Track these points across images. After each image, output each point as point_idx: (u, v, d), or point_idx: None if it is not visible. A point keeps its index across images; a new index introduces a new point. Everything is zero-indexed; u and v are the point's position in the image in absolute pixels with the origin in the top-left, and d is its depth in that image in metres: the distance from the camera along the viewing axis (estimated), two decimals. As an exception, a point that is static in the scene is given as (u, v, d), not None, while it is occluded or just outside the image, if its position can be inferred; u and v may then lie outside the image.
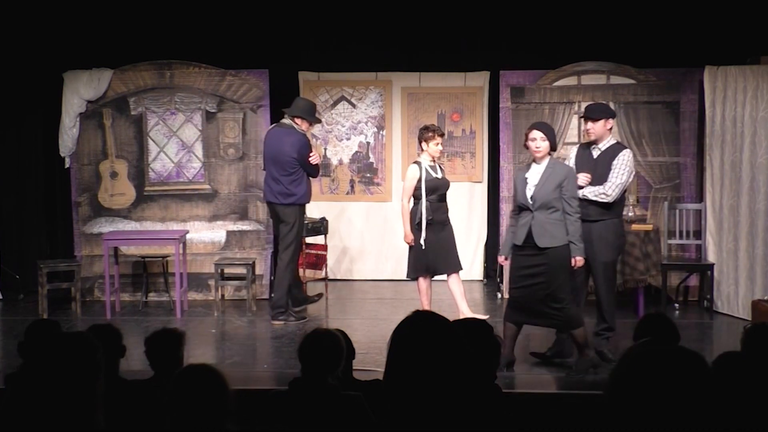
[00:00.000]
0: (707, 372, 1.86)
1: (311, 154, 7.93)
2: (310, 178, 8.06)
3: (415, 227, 7.34)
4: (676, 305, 8.46)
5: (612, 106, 8.85)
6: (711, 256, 8.30)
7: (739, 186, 8.02)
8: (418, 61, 9.68)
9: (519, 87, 8.98)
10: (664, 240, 8.52)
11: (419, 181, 7.28)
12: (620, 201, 6.57)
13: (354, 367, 4.48)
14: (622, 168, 6.44)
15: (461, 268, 7.51)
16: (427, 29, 9.40)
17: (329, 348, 3.72)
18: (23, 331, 4.32)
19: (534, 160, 6.27)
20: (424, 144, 7.39)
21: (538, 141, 6.19)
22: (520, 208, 6.27)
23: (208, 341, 7.57)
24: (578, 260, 6.14)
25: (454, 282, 7.45)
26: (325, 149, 9.85)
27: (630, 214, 8.41)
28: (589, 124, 6.57)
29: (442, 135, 7.48)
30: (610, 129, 6.62)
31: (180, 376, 2.70)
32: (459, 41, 9.51)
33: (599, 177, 6.45)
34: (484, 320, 3.55)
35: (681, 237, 8.55)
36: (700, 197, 8.69)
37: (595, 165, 6.49)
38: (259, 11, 9.24)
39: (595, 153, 6.55)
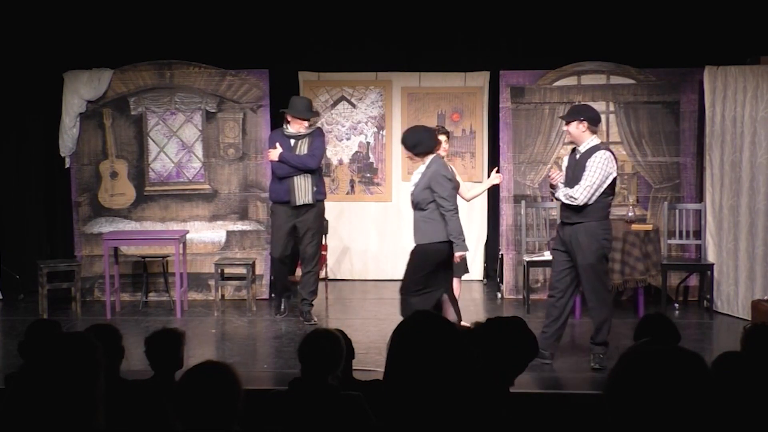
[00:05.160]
0: (706, 372, 1.86)
1: (267, 150, 7.99)
2: (277, 179, 7.92)
3: None
4: (676, 305, 8.46)
5: (612, 106, 8.89)
6: (711, 256, 8.30)
7: (739, 186, 8.03)
8: (418, 61, 9.68)
9: (519, 87, 8.98)
10: (664, 240, 8.52)
11: None
12: (600, 203, 6.32)
13: (354, 367, 4.49)
14: (593, 170, 6.24)
15: (467, 271, 7.52)
16: (427, 29, 9.41)
17: (329, 348, 3.72)
18: (23, 331, 4.32)
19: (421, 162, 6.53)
20: None
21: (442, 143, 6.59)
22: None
23: (208, 341, 7.57)
24: (457, 256, 6.34)
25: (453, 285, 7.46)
26: (325, 149, 9.83)
27: (630, 214, 8.43)
28: (565, 127, 6.54)
29: (446, 134, 7.47)
30: (592, 131, 6.41)
31: (193, 372, 2.67)
32: (459, 41, 9.51)
33: (577, 180, 6.34)
34: (517, 317, 3.53)
35: (681, 237, 8.55)
36: (700, 197, 8.69)
37: (575, 168, 6.42)
38: (259, 11, 9.25)
39: (577, 156, 6.44)
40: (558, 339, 6.54)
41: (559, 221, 6.68)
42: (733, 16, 8.64)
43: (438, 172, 6.39)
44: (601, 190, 6.28)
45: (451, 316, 6.51)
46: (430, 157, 6.48)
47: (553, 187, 6.49)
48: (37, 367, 2.13)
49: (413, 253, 6.52)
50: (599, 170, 6.24)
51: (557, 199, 6.45)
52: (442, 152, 7.39)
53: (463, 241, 6.38)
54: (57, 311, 8.29)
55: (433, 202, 6.37)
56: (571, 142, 6.63)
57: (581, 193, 6.24)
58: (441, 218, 6.37)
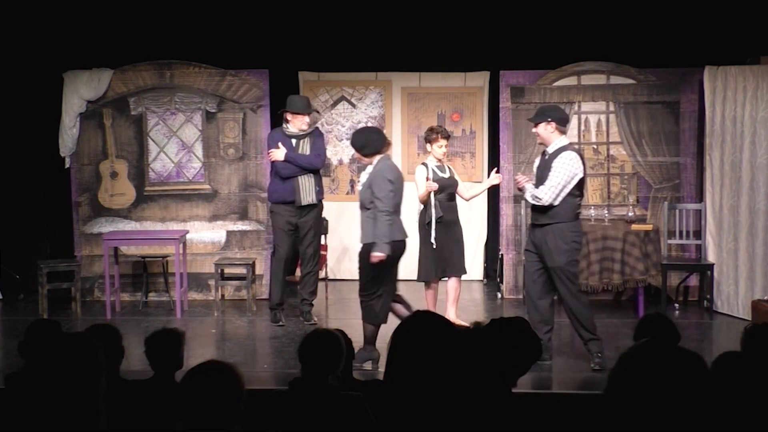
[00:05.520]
0: (706, 372, 1.86)
1: (269, 151, 7.95)
2: (281, 179, 7.89)
3: (425, 227, 7.37)
4: (676, 305, 8.46)
5: (612, 106, 8.89)
6: (711, 256, 8.30)
7: (739, 186, 8.03)
8: (418, 61, 9.68)
9: (519, 87, 8.98)
10: (664, 240, 8.52)
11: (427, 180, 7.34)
12: (568, 204, 6.31)
13: (354, 368, 4.49)
14: (557, 170, 6.24)
15: (465, 272, 7.53)
16: (427, 29, 9.41)
17: (329, 348, 3.72)
18: (23, 331, 4.32)
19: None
20: (428, 145, 7.46)
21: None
22: None
23: (208, 341, 7.57)
24: (374, 256, 6.30)
25: (452, 285, 7.49)
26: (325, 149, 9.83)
27: (630, 214, 8.43)
28: (533, 129, 6.54)
29: (447, 137, 7.49)
30: (561, 131, 6.41)
31: (196, 371, 2.67)
32: (459, 41, 9.51)
33: (544, 181, 6.35)
34: (520, 318, 3.53)
35: (681, 237, 8.55)
36: (700, 197, 8.69)
37: (543, 169, 6.43)
38: (259, 11, 9.25)
39: (546, 156, 6.45)
40: (550, 340, 6.55)
41: (529, 222, 6.70)
42: (733, 16, 8.64)
43: (381, 173, 6.40)
44: (567, 190, 6.27)
45: (401, 311, 6.58)
46: (378, 157, 6.50)
47: (521, 189, 6.52)
48: (39, 368, 2.13)
49: (360, 254, 6.53)
50: (564, 171, 6.24)
51: (525, 200, 6.46)
52: (438, 155, 7.43)
53: (386, 243, 6.34)
54: (57, 311, 8.29)
55: (372, 202, 6.40)
56: (541, 144, 6.64)
57: (545, 193, 6.25)
58: (376, 218, 6.39)
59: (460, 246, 7.52)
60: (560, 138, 6.41)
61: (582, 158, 6.41)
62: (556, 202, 6.26)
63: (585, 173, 6.44)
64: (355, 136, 6.67)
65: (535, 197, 6.28)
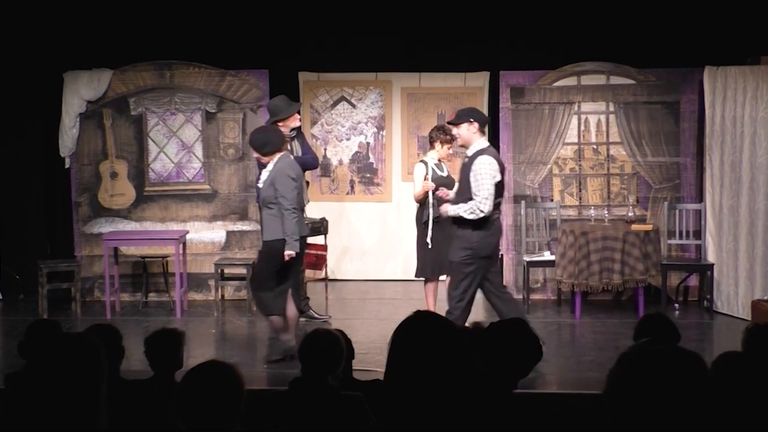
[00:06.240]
0: (705, 372, 1.86)
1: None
2: None
3: (422, 226, 7.38)
4: (676, 305, 8.46)
5: (612, 106, 8.89)
6: (711, 256, 8.30)
7: (739, 186, 8.02)
8: (417, 61, 9.68)
9: (519, 87, 8.97)
10: (664, 240, 8.52)
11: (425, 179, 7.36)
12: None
13: (354, 367, 4.48)
14: (481, 178, 6.24)
15: None
16: (427, 29, 9.40)
17: (329, 348, 3.72)
18: (23, 331, 4.32)
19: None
20: (437, 144, 7.45)
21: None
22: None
23: (208, 341, 7.57)
24: (287, 254, 6.43)
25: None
26: (325, 149, 9.85)
27: (630, 214, 8.43)
28: (455, 130, 6.55)
29: (450, 141, 7.50)
30: (482, 132, 6.45)
31: (196, 371, 2.66)
32: (459, 41, 9.50)
33: (463, 185, 6.40)
34: (520, 319, 3.53)
35: (681, 237, 8.55)
36: (699, 197, 8.69)
37: (462, 172, 6.47)
38: (259, 11, 9.24)
39: (465, 160, 6.48)
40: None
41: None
42: (733, 16, 8.63)
43: (282, 171, 6.49)
44: (491, 194, 6.28)
45: (291, 311, 6.71)
46: (278, 155, 6.58)
47: (441, 202, 6.59)
48: (41, 369, 2.13)
49: (263, 251, 6.68)
50: (487, 176, 6.25)
51: (446, 214, 6.52)
52: (443, 155, 7.45)
53: (296, 240, 6.47)
54: (57, 311, 8.29)
55: (276, 200, 6.49)
56: (462, 146, 6.67)
57: (484, 205, 6.23)
58: (280, 216, 6.49)
59: None
60: (480, 140, 6.44)
61: (500, 161, 6.43)
62: (491, 208, 6.28)
63: (504, 176, 6.44)
64: (253, 135, 6.76)
65: (477, 210, 6.25)
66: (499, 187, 6.36)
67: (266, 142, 6.58)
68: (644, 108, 8.85)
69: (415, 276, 7.61)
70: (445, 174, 7.46)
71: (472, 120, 6.37)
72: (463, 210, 6.30)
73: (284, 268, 6.55)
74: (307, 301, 8.05)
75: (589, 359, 6.73)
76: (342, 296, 9.16)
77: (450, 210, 6.43)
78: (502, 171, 6.41)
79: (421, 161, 7.54)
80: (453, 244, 6.47)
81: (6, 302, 9.06)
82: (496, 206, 6.40)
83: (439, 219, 7.31)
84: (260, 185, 6.68)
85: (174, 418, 2.67)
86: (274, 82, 9.09)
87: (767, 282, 7.84)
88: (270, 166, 6.58)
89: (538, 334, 3.59)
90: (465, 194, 6.35)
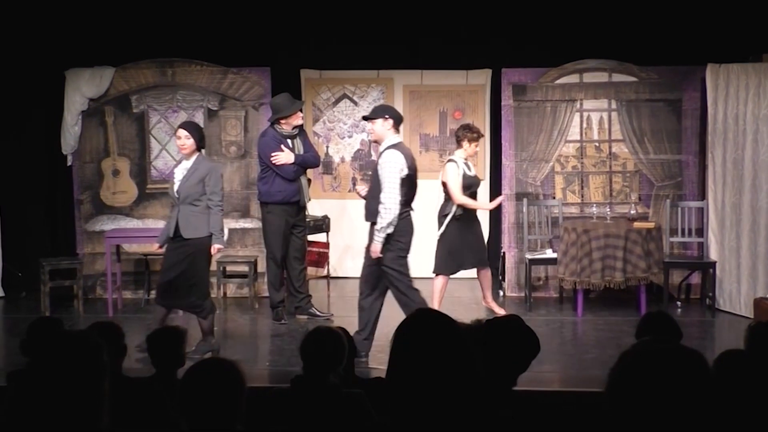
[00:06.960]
0: (707, 371, 1.86)
1: (273, 154, 7.76)
2: (287, 180, 7.81)
3: (440, 219, 7.49)
4: (678, 303, 8.46)
5: (614, 104, 8.89)
6: (713, 254, 8.30)
7: (742, 183, 8.02)
8: (420, 58, 9.67)
9: (521, 85, 8.97)
10: (666, 238, 8.51)
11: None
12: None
13: (355, 365, 4.49)
14: (384, 174, 6.27)
15: (488, 264, 7.82)
16: (429, 27, 9.39)
17: (331, 346, 3.72)
18: (25, 329, 4.32)
19: (184, 157, 6.70)
20: (465, 142, 7.54)
21: (183, 139, 6.61)
22: (172, 203, 6.80)
23: (210, 339, 7.56)
24: (216, 248, 6.62)
25: (485, 276, 7.84)
26: (327, 147, 9.85)
27: (632, 212, 8.43)
28: (369, 126, 6.60)
29: (477, 139, 7.68)
30: (396, 129, 6.47)
31: (198, 368, 2.66)
32: (461, 39, 9.50)
33: (374, 182, 6.42)
34: (514, 315, 3.52)
35: (683, 235, 8.54)
36: (702, 195, 8.68)
37: (374, 168, 6.52)
38: (260, 9, 9.24)
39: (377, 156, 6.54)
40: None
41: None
42: (735, 13, 8.62)
43: (215, 169, 6.71)
44: (397, 189, 6.27)
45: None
46: (202, 152, 6.75)
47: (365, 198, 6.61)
48: (43, 367, 2.13)
49: (190, 248, 6.65)
50: (390, 171, 6.27)
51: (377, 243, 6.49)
52: (471, 153, 7.65)
53: (222, 236, 6.69)
54: (59, 309, 8.29)
55: (204, 195, 6.56)
56: (375, 141, 6.74)
57: (389, 199, 6.24)
58: (207, 213, 6.60)
59: (481, 241, 7.86)
60: (393, 136, 6.48)
61: (405, 155, 6.40)
62: (397, 204, 6.28)
63: (413, 171, 6.44)
64: (189, 125, 6.83)
65: (383, 213, 6.27)
66: (409, 182, 6.38)
67: (201, 137, 6.73)
68: (646, 105, 8.84)
69: (433, 272, 7.65)
70: (473, 173, 7.61)
71: (387, 116, 6.46)
72: (378, 226, 6.34)
73: (207, 263, 6.75)
74: (308, 298, 8.06)
75: (591, 357, 6.73)
76: (344, 294, 9.15)
77: (376, 236, 6.40)
78: (413, 167, 6.43)
79: (451, 160, 7.60)
80: (384, 247, 6.44)
81: (8, 300, 9.07)
82: (407, 203, 6.40)
83: (461, 216, 7.43)
84: (176, 182, 6.66)
85: (176, 416, 2.67)
86: (276, 79, 9.09)
87: (769, 280, 7.84)
88: (186, 164, 6.66)
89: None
90: (376, 189, 6.38)
